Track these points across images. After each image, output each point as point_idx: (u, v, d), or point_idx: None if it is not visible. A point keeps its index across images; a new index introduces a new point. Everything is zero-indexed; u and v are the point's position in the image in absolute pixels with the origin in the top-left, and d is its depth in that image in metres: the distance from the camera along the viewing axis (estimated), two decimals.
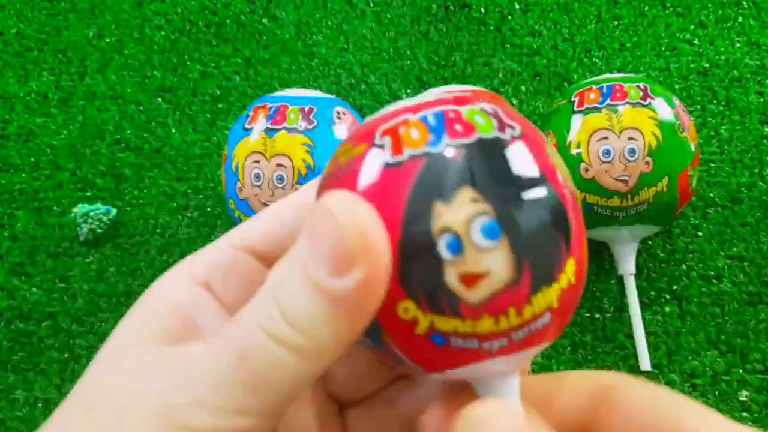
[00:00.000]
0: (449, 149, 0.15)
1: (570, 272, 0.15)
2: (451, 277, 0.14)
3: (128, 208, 0.42)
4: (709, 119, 0.42)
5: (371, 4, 0.47)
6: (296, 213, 0.18)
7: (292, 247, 0.15)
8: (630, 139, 0.33)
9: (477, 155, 0.15)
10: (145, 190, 0.43)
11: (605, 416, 0.16)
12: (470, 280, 0.14)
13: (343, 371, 0.19)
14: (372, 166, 0.15)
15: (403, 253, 0.14)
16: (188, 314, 0.16)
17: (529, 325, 0.15)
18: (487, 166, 0.15)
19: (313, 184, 0.18)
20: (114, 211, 0.41)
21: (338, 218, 0.14)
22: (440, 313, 0.14)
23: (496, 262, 0.14)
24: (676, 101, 0.35)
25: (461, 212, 0.14)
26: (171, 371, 0.14)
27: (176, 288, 0.17)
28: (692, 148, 0.34)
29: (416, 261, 0.14)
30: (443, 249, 0.14)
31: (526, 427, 0.14)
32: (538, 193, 0.15)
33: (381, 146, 0.15)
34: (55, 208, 0.43)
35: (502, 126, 0.15)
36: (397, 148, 0.15)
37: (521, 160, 0.15)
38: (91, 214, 0.40)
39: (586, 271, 0.16)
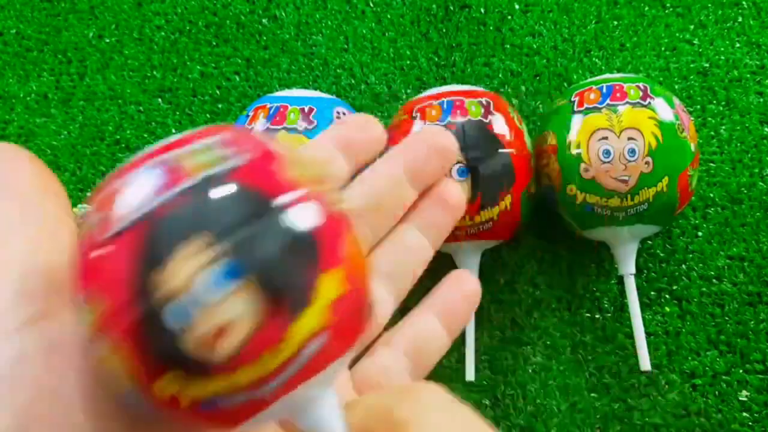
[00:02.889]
0: (160, 207, 0.13)
1: (332, 286, 0.14)
2: (189, 345, 0.13)
3: None
4: (709, 119, 0.42)
5: (371, 4, 0.47)
6: None
7: None
8: (630, 139, 0.33)
9: (201, 196, 0.13)
10: None
11: None
12: (208, 342, 0.13)
13: None
14: (85, 248, 0.14)
15: (138, 333, 0.13)
16: None
17: (299, 356, 0.13)
18: (217, 203, 0.13)
19: None
20: None
21: None
22: (193, 379, 0.13)
23: (236, 309, 0.13)
24: (676, 101, 0.35)
25: (186, 268, 0.12)
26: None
27: None
28: (692, 148, 0.34)
29: (150, 341, 0.13)
30: (171, 319, 0.12)
31: None
32: (268, 221, 0.13)
33: (94, 221, 0.14)
34: None
35: (226, 152, 0.14)
36: (103, 226, 0.13)
37: (241, 194, 0.13)
38: None
39: (364, 272, 0.15)
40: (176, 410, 0.13)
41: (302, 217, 0.14)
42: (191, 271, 0.12)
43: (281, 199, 0.14)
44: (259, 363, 0.13)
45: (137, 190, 0.13)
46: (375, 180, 0.23)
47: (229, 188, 0.13)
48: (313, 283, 0.13)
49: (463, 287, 0.24)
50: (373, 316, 0.17)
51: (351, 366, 0.22)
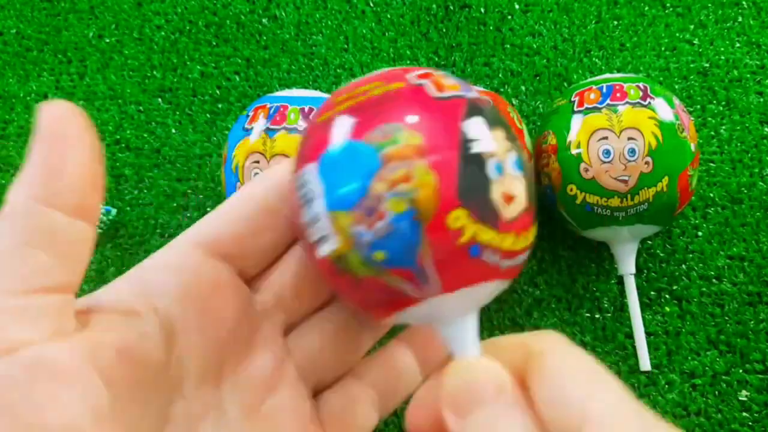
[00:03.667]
0: (477, 99, 0.18)
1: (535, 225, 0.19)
2: (496, 193, 0.17)
3: (128, 208, 0.42)
4: (709, 119, 0.42)
5: (371, 4, 0.47)
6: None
7: None
8: (630, 139, 0.33)
9: (493, 109, 0.18)
10: (145, 190, 0.43)
11: (533, 381, 0.16)
12: (508, 198, 0.17)
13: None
14: (420, 98, 0.17)
15: (462, 168, 0.16)
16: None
17: (526, 252, 0.18)
18: (502, 118, 0.18)
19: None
20: (114, 211, 0.41)
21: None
22: (484, 223, 0.16)
23: (520, 189, 0.17)
24: (676, 101, 0.35)
25: (501, 145, 0.17)
26: None
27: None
28: (692, 148, 0.34)
29: (473, 176, 0.16)
30: (492, 169, 0.17)
31: (503, 378, 0.16)
32: (521, 148, 0.19)
33: (421, 85, 0.18)
34: None
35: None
36: (439, 87, 0.17)
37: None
38: None
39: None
40: (451, 243, 0.16)
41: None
42: (507, 147, 0.17)
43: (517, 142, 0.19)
44: (519, 237, 0.17)
45: (453, 80, 0.18)
46: None
47: (501, 116, 0.19)
48: (535, 212, 0.19)
49: None
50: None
51: (315, 395, 0.21)
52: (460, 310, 0.18)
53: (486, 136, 0.17)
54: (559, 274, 0.39)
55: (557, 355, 0.16)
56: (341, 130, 0.17)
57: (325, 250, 0.17)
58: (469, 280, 0.17)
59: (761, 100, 0.42)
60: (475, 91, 0.19)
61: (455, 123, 0.17)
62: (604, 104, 0.34)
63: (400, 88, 0.17)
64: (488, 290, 0.18)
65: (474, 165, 0.16)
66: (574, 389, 0.15)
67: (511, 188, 0.17)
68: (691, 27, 0.45)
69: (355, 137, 0.17)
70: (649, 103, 0.34)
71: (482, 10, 0.46)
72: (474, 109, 0.17)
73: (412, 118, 0.17)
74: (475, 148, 0.17)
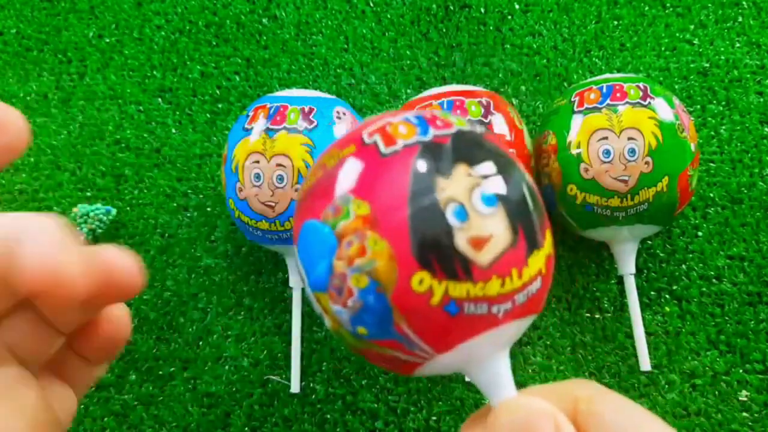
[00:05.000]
0: (437, 137, 0.16)
1: (549, 241, 0.17)
2: (462, 241, 0.15)
3: (128, 208, 0.42)
4: (709, 119, 0.42)
5: (371, 4, 0.47)
6: None
7: None
8: (630, 139, 0.33)
9: (462, 140, 0.17)
10: (145, 190, 0.43)
11: (582, 423, 0.17)
12: (478, 243, 0.15)
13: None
14: (367, 160, 0.16)
15: (414, 226, 0.15)
16: None
17: (527, 288, 0.16)
18: (473, 149, 0.16)
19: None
20: (114, 211, 0.41)
21: None
22: (454, 278, 0.15)
23: (497, 227, 0.16)
24: (676, 101, 0.35)
25: (461, 184, 0.16)
26: None
27: None
28: (692, 148, 0.34)
29: (428, 231, 0.15)
30: (451, 217, 0.15)
31: (555, 412, 0.16)
32: (516, 171, 0.17)
33: (373, 143, 0.16)
34: (55, 208, 0.43)
35: (471, 123, 0.18)
36: (389, 141, 0.16)
37: (496, 147, 0.17)
38: (91, 214, 0.40)
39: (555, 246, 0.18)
40: (423, 307, 0.15)
41: (531, 180, 0.17)
42: (470, 185, 0.16)
43: (517, 162, 0.17)
44: (506, 279, 0.16)
45: (414, 124, 0.17)
46: None
47: (486, 141, 0.17)
48: (544, 232, 0.17)
49: None
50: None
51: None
52: (480, 356, 0.17)
53: (440, 182, 0.15)
54: (559, 274, 0.39)
55: (607, 397, 0.17)
56: (303, 210, 0.17)
57: (327, 326, 0.18)
58: (461, 337, 0.16)
59: (761, 100, 0.42)
60: (441, 125, 0.17)
61: (403, 179, 0.15)
62: (604, 104, 0.34)
63: (350, 152, 0.17)
64: (506, 333, 0.17)
65: (427, 219, 0.15)
66: (628, 424, 0.16)
67: (481, 230, 0.15)
68: (691, 27, 0.45)
69: (314, 216, 0.16)
70: (649, 103, 0.34)
71: (482, 10, 0.46)
72: (427, 153, 0.16)
73: (360, 186, 0.16)
74: (426, 201, 0.15)
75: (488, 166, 0.16)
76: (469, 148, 0.16)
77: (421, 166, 0.16)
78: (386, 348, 0.17)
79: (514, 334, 0.17)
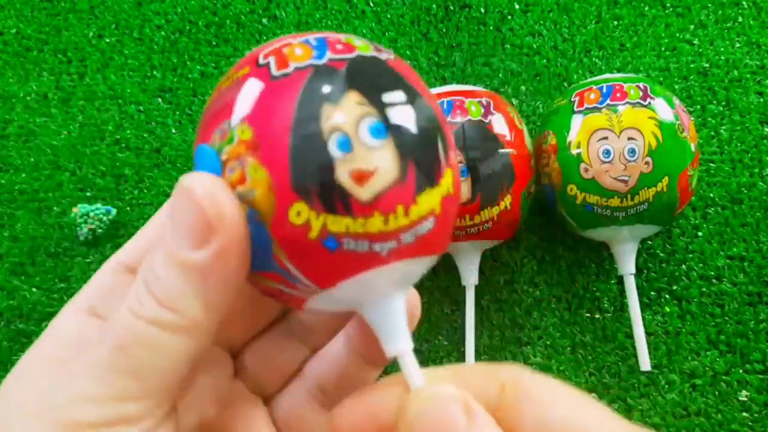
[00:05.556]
0: (333, 61, 0.15)
1: (449, 181, 0.16)
2: (343, 174, 0.14)
3: (128, 208, 0.42)
4: (709, 119, 0.42)
5: (371, 4, 0.47)
6: (159, 224, 0.19)
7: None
8: (630, 139, 0.33)
9: (359, 67, 0.16)
10: (145, 190, 0.43)
11: (513, 406, 0.16)
12: (360, 177, 0.14)
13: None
14: (257, 83, 0.15)
15: (294, 155, 0.14)
16: (76, 339, 0.17)
17: (415, 227, 0.15)
18: (370, 76, 0.16)
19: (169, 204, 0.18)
20: (114, 211, 0.41)
21: (195, 193, 0.14)
22: (332, 212, 0.14)
23: (383, 160, 0.15)
24: (676, 101, 0.35)
25: (349, 113, 0.15)
26: (56, 377, 0.15)
27: (64, 320, 0.18)
28: (692, 148, 0.34)
29: (308, 161, 0.14)
30: (334, 147, 0.14)
31: (465, 396, 0.15)
32: (418, 103, 0.16)
33: (266, 65, 0.16)
34: (55, 208, 0.43)
35: (378, 49, 0.17)
36: (282, 63, 0.15)
37: (399, 76, 0.16)
38: (91, 214, 0.40)
39: (460, 187, 0.17)
40: (300, 242, 0.15)
41: (438, 116, 0.16)
42: (359, 114, 0.15)
43: (423, 94, 0.16)
44: (390, 216, 0.15)
45: (312, 47, 0.16)
46: None
47: (391, 69, 0.16)
48: (441, 171, 0.16)
49: None
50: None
51: (267, 403, 0.21)
52: (369, 296, 0.16)
53: (326, 110, 0.15)
54: (559, 274, 0.39)
55: (537, 380, 0.16)
56: (198, 134, 0.16)
57: None
58: (342, 273, 0.15)
59: (761, 100, 0.42)
60: (341, 49, 0.16)
61: (288, 104, 0.15)
62: (604, 104, 0.34)
63: (245, 74, 0.16)
64: (395, 273, 0.16)
65: (308, 148, 0.14)
66: (564, 407, 0.16)
67: (365, 164, 0.14)
68: (691, 27, 0.45)
69: (204, 140, 0.16)
70: (649, 103, 0.34)
71: (482, 10, 0.46)
72: (318, 78, 0.15)
73: (247, 110, 0.15)
74: (308, 128, 0.14)
75: (385, 96, 0.15)
76: (365, 76, 0.15)
77: (309, 91, 0.15)
78: (271, 281, 0.16)
79: (406, 276, 0.16)
